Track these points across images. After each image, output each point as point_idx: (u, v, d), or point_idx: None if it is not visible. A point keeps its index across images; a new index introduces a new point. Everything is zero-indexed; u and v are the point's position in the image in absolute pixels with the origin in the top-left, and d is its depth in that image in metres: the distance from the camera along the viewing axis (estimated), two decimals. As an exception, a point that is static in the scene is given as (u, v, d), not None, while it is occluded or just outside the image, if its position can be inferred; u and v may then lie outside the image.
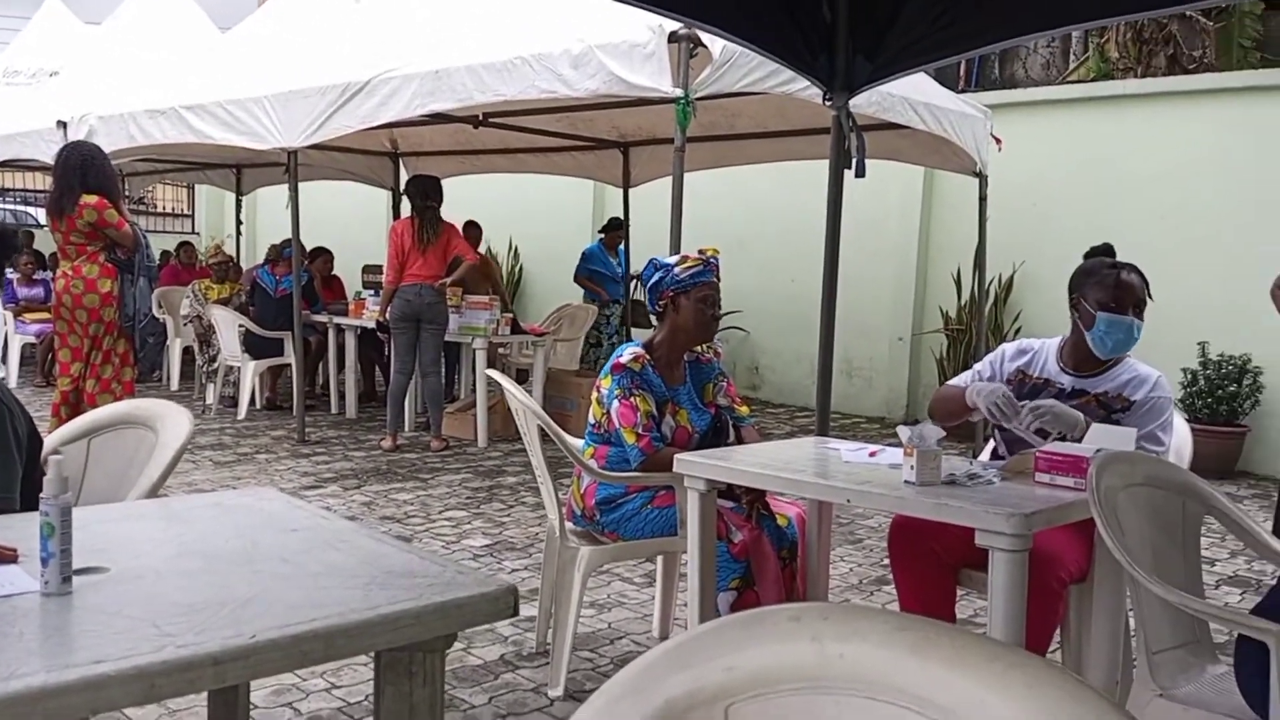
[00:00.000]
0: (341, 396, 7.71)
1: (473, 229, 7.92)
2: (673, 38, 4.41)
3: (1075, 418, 2.52)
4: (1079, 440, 2.46)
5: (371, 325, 7.06)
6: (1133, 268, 2.67)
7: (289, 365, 7.32)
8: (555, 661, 2.92)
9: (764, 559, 2.85)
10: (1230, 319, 6.32)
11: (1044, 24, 3.01)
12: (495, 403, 6.53)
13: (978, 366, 2.92)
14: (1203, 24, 7.82)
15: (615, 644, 3.33)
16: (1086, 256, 2.77)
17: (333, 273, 8.76)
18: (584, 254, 8.75)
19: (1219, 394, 6.35)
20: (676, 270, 2.98)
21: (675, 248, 4.48)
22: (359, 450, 6.41)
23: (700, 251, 3.03)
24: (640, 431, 2.90)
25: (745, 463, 2.60)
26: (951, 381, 2.91)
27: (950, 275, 7.93)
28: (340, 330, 7.65)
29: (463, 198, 8.51)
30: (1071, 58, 8.72)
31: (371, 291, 7.51)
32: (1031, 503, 2.16)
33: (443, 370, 6.83)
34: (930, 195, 8.26)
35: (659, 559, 3.32)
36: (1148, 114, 7.13)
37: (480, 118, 7.01)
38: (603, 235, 8.65)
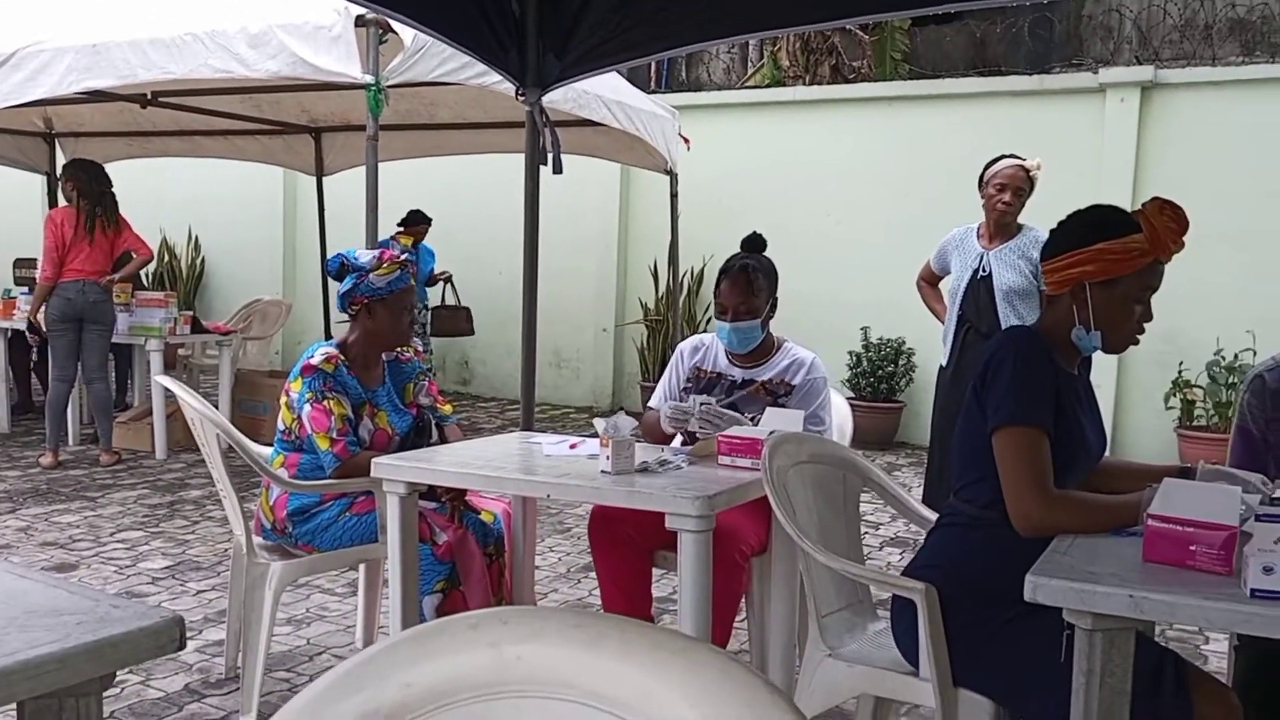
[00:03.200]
0: (-11, 409, 6.79)
1: None
2: (360, 22, 4.25)
3: (732, 418, 2.70)
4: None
5: (23, 327, 6.26)
6: (744, 268, 2.83)
7: (-81, 376, 6.34)
8: (246, 686, 2.74)
9: (469, 558, 2.82)
10: (887, 306, 7.06)
11: (718, 33, 3.20)
12: (175, 410, 6.00)
13: (665, 377, 3.04)
14: (860, 37, 8.65)
15: (315, 660, 3.18)
16: (742, 246, 2.95)
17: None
18: None
19: (879, 373, 7.09)
20: (372, 277, 2.84)
21: (371, 241, 4.33)
22: (13, 469, 5.67)
23: (395, 239, 2.93)
24: (334, 436, 2.77)
25: (447, 463, 2.57)
26: (650, 404, 3.02)
27: (648, 268, 8.27)
28: (-15, 334, 6.72)
29: (134, 184, 7.75)
30: (749, 64, 9.34)
31: (24, 289, 6.65)
32: (714, 484, 2.29)
33: (111, 375, 6.18)
34: (627, 191, 8.56)
35: (361, 567, 3.20)
36: (815, 119, 7.79)
37: (149, 96, 6.40)
38: (400, 230, 7.34)
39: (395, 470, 2.52)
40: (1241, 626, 1.50)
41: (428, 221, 7.45)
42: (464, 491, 2.81)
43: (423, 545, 2.73)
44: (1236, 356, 6.12)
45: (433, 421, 3.07)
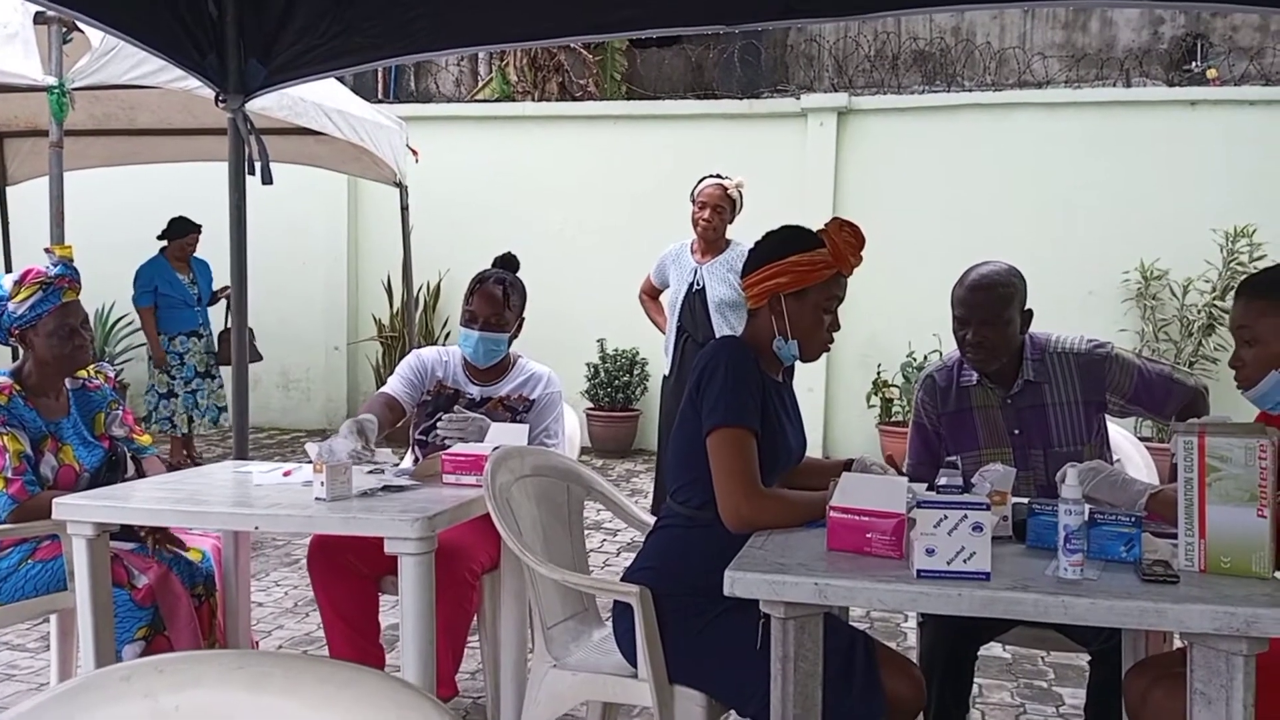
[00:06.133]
0: None
1: None
2: (40, 19, 3.85)
3: (479, 425, 2.68)
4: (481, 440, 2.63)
5: None
6: (502, 280, 2.85)
7: None
8: (-95, 767, 2.39)
9: (174, 601, 2.62)
10: (621, 318, 7.25)
11: (434, 45, 3.15)
12: None
13: (407, 372, 2.90)
14: (586, 57, 8.86)
15: (-5, 727, 2.83)
16: (494, 264, 2.95)
17: None
18: (139, 272, 6.23)
19: (616, 383, 7.28)
20: (11, 306, 2.57)
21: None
22: None
23: (48, 250, 2.65)
24: (9, 476, 2.49)
25: (142, 499, 2.37)
26: (385, 389, 2.87)
27: (381, 283, 8.04)
28: None
29: None
30: (479, 78, 9.32)
31: None
32: (436, 504, 2.25)
33: None
34: (356, 204, 8.29)
35: (53, 619, 2.89)
36: (545, 134, 7.89)
37: None
38: (164, 243, 6.36)
39: (80, 510, 2.29)
40: (910, 605, 1.65)
41: (196, 229, 6.36)
42: (168, 529, 2.61)
43: (120, 590, 2.50)
44: (925, 358, 6.79)
45: (128, 454, 2.81)
